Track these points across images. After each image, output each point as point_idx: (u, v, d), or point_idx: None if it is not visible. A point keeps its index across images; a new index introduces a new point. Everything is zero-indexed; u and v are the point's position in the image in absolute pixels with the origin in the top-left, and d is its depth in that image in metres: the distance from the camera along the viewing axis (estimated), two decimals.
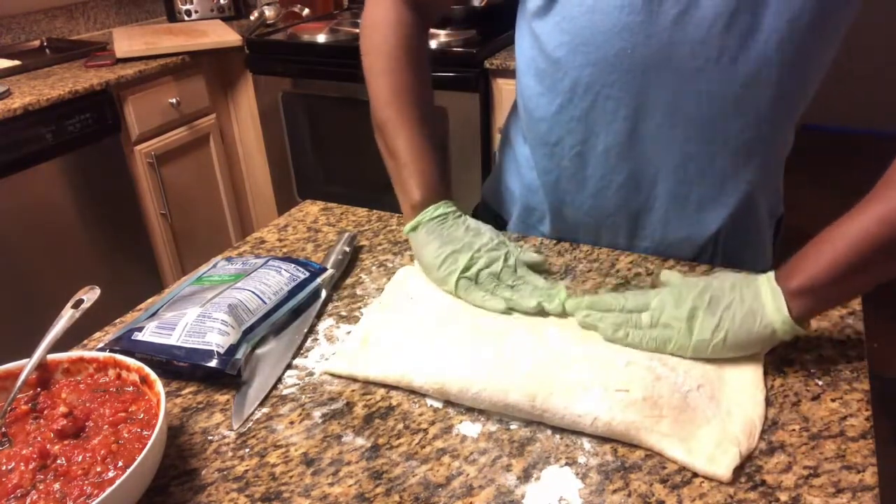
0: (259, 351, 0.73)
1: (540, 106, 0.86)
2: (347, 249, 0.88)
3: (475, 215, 0.89)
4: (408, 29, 0.88)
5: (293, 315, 0.78)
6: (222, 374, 0.68)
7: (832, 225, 0.65)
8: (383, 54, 0.87)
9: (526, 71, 0.88)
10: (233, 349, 0.69)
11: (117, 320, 0.79)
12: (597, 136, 0.83)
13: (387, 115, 0.86)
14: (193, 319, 0.71)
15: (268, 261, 0.82)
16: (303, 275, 0.80)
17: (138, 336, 0.70)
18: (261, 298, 0.75)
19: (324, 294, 0.81)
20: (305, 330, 0.76)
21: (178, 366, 0.68)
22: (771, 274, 0.67)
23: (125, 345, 0.70)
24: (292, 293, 0.78)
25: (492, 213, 1.07)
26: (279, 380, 0.69)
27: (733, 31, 0.72)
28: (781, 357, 0.69)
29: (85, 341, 0.75)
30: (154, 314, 0.75)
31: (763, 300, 0.65)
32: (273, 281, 0.78)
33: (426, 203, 0.82)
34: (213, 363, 0.67)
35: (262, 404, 0.66)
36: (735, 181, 0.83)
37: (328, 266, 0.84)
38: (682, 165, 0.82)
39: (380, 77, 0.87)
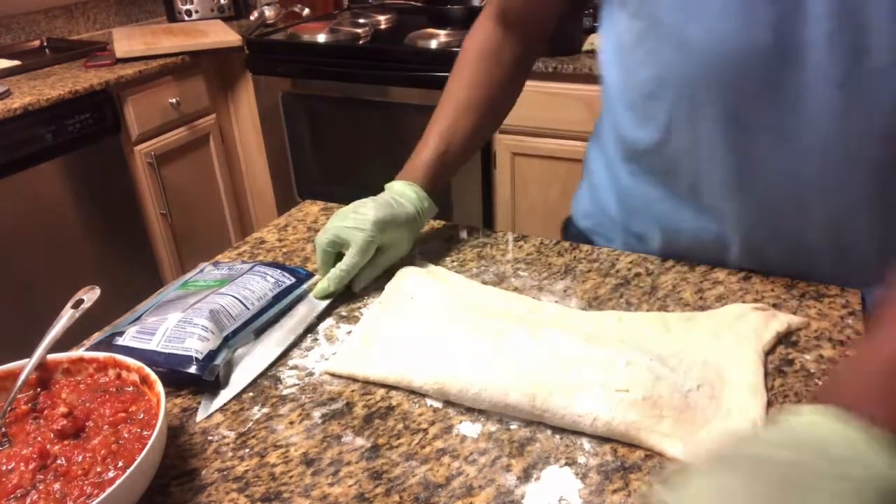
0: (240, 353, 0.72)
1: (640, 139, 0.83)
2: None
3: (564, 230, 0.95)
4: (492, 44, 0.95)
5: (281, 321, 0.77)
6: (201, 381, 0.68)
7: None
8: (459, 62, 0.96)
9: (619, 103, 0.86)
10: (212, 355, 0.69)
11: (117, 320, 0.79)
12: (704, 170, 0.78)
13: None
14: (174, 325, 0.70)
15: (254, 266, 0.82)
16: (288, 280, 0.80)
17: (119, 341, 0.70)
18: (244, 304, 0.75)
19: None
20: (292, 337, 0.75)
21: (157, 371, 0.68)
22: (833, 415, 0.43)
23: (105, 349, 0.69)
24: (277, 299, 0.78)
25: (584, 237, 1.00)
26: (253, 383, 0.69)
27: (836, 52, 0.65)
28: (781, 357, 0.69)
29: (85, 341, 0.75)
30: (138, 318, 0.75)
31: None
32: (258, 287, 0.78)
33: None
34: (192, 369, 0.67)
35: (262, 404, 0.66)
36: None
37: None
38: (798, 196, 0.75)
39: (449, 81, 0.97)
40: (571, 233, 1.02)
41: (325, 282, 0.80)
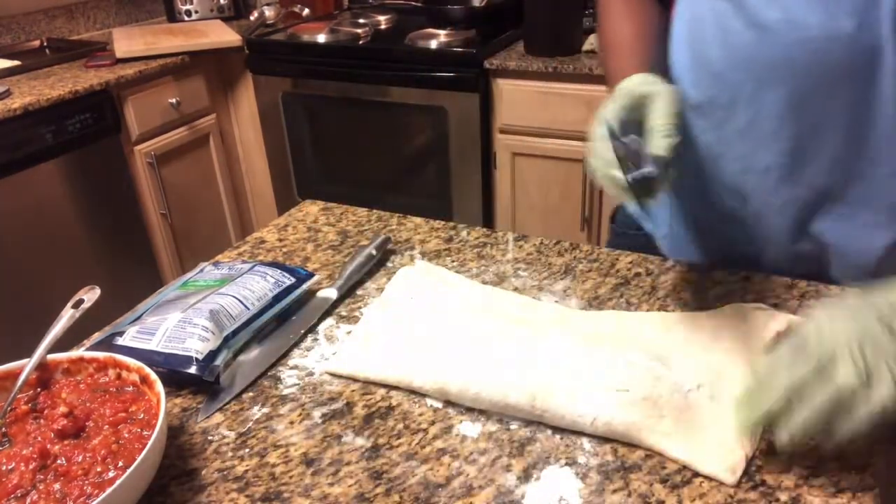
0: (241, 357, 0.73)
1: (700, 120, 0.81)
2: (375, 253, 0.88)
3: (613, 216, 0.90)
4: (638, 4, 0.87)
5: (280, 321, 0.78)
6: (201, 381, 0.68)
7: None
8: (605, 17, 0.88)
9: (685, 82, 0.83)
10: (212, 355, 0.69)
11: (117, 320, 0.79)
12: (756, 154, 0.77)
13: (605, 52, 0.85)
14: (174, 325, 0.70)
15: (254, 266, 0.82)
16: (288, 280, 0.80)
17: (119, 341, 0.70)
18: (244, 304, 0.75)
19: (334, 296, 0.81)
20: (293, 336, 0.75)
21: (157, 371, 0.68)
22: None
23: (105, 349, 0.69)
24: (277, 299, 0.78)
25: (630, 221, 1.00)
26: (253, 383, 0.69)
27: None
28: None
29: (85, 341, 0.75)
30: (138, 318, 0.75)
31: None
32: (258, 287, 0.78)
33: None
34: (192, 369, 0.67)
35: (262, 405, 0.66)
36: None
37: (350, 269, 0.84)
38: (851, 186, 0.75)
39: (600, 30, 0.89)
40: (619, 218, 1.02)
41: (659, 139, 0.63)
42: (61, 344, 0.66)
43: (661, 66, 0.79)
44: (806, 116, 0.72)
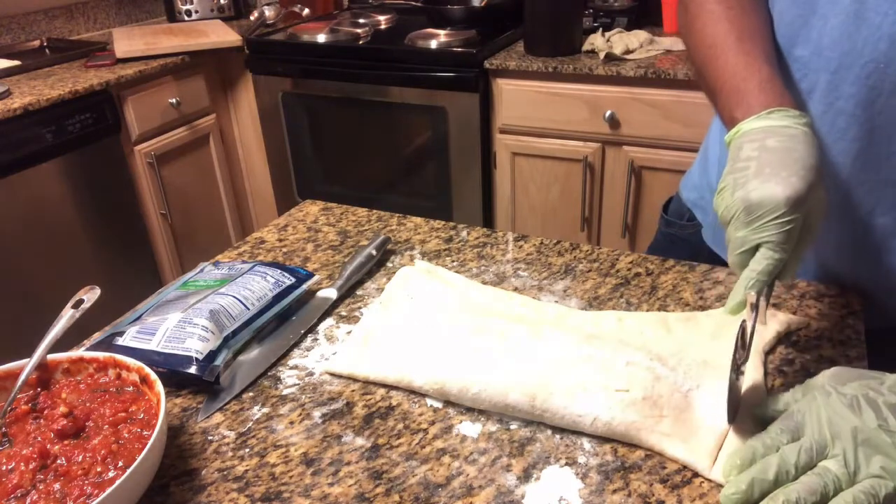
0: (241, 357, 0.73)
1: None
2: (375, 253, 0.88)
3: (665, 205, 0.87)
4: None
5: (280, 321, 0.78)
6: (201, 381, 0.68)
7: None
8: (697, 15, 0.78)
9: None
10: (212, 355, 0.69)
11: (117, 320, 0.79)
12: (824, 150, 0.73)
13: (704, 53, 0.74)
14: (174, 325, 0.70)
15: (254, 266, 0.82)
16: (289, 280, 0.80)
17: (119, 341, 0.70)
18: (244, 304, 0.75)
19: (334, 296, 0.81)
20: (293, 336, 0.75)
21: (157, 371, 0.68)
22: None
23: (105, 349, 0.69)
24: (277, 299, 0.78)
25: (684, 210, 0.98)
26: (253, 383, 0.69)
27: None
28: (781, 357, 0.69)
29: (85, 341, 0.75)
30: (138, 318, 0.75)
31: None
32: (258, 287, 0.78)
33: (758, 109, 0.64)
34: (192, 369, 0.67)
35: (262, 404, 0.66)
36: None
37: (350, 269, 0.84)
38: None
39: (692, 30, 0.78)
40: (672, 207, 1.01)
41: (737, 291, 0.60)
42: (61, 344, 0.66)
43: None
44: (878, 119, 0.68)
